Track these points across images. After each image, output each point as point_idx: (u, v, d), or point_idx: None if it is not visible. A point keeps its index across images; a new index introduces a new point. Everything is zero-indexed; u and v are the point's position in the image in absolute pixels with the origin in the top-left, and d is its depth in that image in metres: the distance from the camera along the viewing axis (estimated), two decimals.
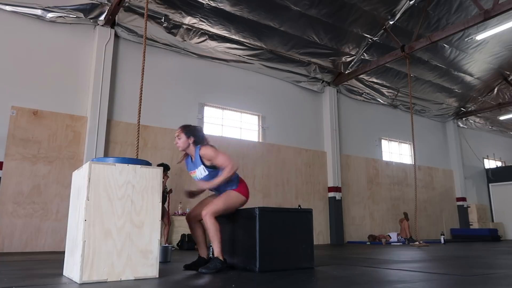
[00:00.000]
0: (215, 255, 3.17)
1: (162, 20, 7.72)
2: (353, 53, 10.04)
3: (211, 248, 3.75)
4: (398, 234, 10.18)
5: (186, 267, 3.31)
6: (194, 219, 3.43)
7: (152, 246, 2.80)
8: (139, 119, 5.00)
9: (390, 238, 10.10)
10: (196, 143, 3.35)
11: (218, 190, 3.39)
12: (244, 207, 3.48)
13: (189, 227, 3.45)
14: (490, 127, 14.94)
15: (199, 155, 3.31)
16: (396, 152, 12.36)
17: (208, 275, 2.93)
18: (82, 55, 7.37)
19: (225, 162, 3.24)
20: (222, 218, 3.82)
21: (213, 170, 3.31)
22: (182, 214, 7.53)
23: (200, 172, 3.35)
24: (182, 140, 3.33)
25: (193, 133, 3.36)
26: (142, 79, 5.08)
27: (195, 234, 3.44)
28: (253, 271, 3.17)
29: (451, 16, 9.53)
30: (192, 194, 3.44)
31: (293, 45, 9.22)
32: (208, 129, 8.67)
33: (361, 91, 11.30)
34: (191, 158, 3.43)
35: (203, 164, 3.31)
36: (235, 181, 3.40)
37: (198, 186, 3.37)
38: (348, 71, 10.44)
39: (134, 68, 7.69)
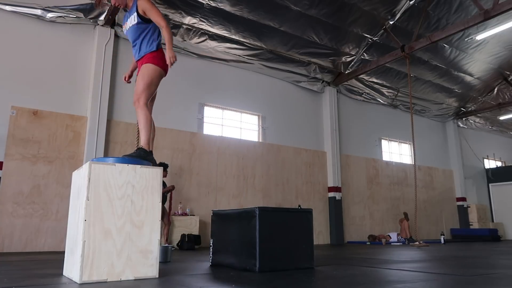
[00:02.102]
0: (142, 144, 3.10)
1: None
2: (353, 53, 10.04)
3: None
4: (398, 234, 10.18)
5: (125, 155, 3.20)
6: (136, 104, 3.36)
7: (152, 246, 2.80)
8: None
9: (390, 238, 10.10)
10: None
11: (140, 48, 3.32)
12: (245, 207, 3.47)
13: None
14: (490, 127, 14.94)
15: (136, 5, 3.28)
16: (396, 152, 12.36)
17: (207, 277, 2.93)
18: (82, 55, 7.37)
19: (159, 19, 3.21)
20: (221, 218, 3.83)
21: (143, 23, 3.28)
22: (182, 214, 7.53)
23: (131, 20, 3.31)
24: None
25: None
26: None
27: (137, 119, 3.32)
28: (253, 271, 3.17)
29: (451, 16, 9.53)
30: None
31: (293, 45, 9.22)
32: (208, 129, 8.68)
33: (361, 91, 11.30)
34: (127, 11, 3.40)
35: (137, 12, 3.27)
36: (153, 46, 3.30)
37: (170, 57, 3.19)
38: (348, 71, 10.44)
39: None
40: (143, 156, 3.03)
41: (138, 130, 5.12)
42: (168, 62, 3.15)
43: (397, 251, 6.26)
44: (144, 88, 3.17)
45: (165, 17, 7.68)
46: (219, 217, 3.88)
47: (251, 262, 3.21)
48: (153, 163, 3.09)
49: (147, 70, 3.22)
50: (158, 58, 3.27)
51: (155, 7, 3.26)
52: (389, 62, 9.76)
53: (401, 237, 10.04)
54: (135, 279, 2.68)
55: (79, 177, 2.92)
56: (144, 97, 3.15)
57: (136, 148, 3.28)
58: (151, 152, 3.13)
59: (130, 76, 3.64)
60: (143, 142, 3.11)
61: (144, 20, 3.28)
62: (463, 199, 13.36)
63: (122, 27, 7.52)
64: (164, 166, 6.72)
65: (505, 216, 13.96)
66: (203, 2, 7.67)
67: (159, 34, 3.38)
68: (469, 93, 12.79)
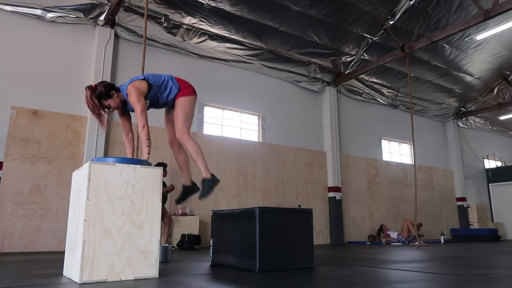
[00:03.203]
0: (203, 175, 3.13)
1: (162, 20, 7.72)
2: (353, 53, 10.04)
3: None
4: (398, 234, 10.17)
5: (178, 201, 3.27)
6: (175, 144, 3.40)
7: (152, 246, 2.80)
8: None
9: (390, 236, 10.10)
10: (116, 90, 3.14)
11: (165, 102, 3.30)
12: (245, 207, 3.48)
13: (174, 154, 3.38)
14: (490, 127, 14.94)
15: (127, 96, 3.13)
16: (396, 152, 12.36)
17: (207, 277, 2.93)
18: (82, 55, 7.37)
19: (138, 119, 2.99)
20: (221, 218, 3.83)
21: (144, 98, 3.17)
22: (182, 214, 7.53)
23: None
24: (113, 103, 3.09)
25: (107, 89, 3.06)
26: None
27: (177, 159, 3.35)
28: (253, 271, 3.16)
29: (451, 16, 9.53)
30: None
31: (293, 45, 9.22)
32: (208, 129, 8.68)
33: (361, 91, 11.29)
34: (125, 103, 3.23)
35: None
36: (174, 87, 3.28)
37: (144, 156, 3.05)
38: (348, 71, 10.44)
39: (134, 68, 7.67)
40: (212, 186, 3.10)
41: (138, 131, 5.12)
42: (145, 157, 2.98)
43: (397, 251, 6.26)
44: (184, 122, 3.21)
45: (165, 17, 7.68)
46: (219, 217, 3.88)
47: (251, 262, 3.21)
48: (215, 182, 3.15)
49: (181, 104, 3.25)
50: (186, 89, 3.32)
51: (136, 98, 3.01)
52: (389, 62, 9.76)
53: (402, 237, 10.03)
54: (135, 279, 2.68)
55: (79, 177, 2.92)
56: (186, 131, 3.19)
57: (192, 182, 3.33)
58: (212, 174, 3.17)
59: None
60: (204, 171, 3.16)
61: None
62: (463, 199, 13.36)
63: (122, 27, 7.60)
64: (164, 166, 6.72)
65: (505, 216, 13.95)
66: (203, 2, 7.67)
67: (173, 80, 3.34)
68: (469, 93, 12.79)
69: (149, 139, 2.95)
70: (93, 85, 3.03)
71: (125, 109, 3.31)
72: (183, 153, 3.38)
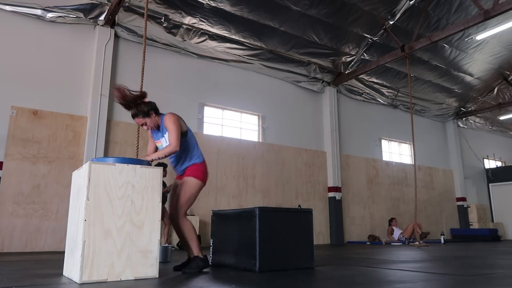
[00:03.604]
0: (195, 253, 3.18)
1: (162, 20, 7.72)
2: (353, 53, 10.04)
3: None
4: (401, 233, 10.14)
5: (176, 268, 3.27)
6: (172, 221, 3.37)
7: (152, 246, 2.80)
8: None
9: (394, 232, 10.10)
10: (156, 113, 3.27)
11: (180, 161, 3.34)
12: (244, 207, 3.48)
13: (174, 228, 3.36)
14: (490, 127, 14.94)
15: (164, 123, 3.24)
16: (396, 152, 12.36)
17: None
18: (82, 55, 7.37)
19: (171, 140, 3.14)
20: (221, 218, 3.83)
21: None
22: None
23: (166, 140, 3.26)
24: (149, 122, 3.23)
25: (148, 109, 3.20)
26: (142, 79, 5.08)
27: (179, 234, 3.32)
28: (253, 271, 3.16)
29: (451, 16, 9.53)
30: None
31: (293, 45, 9.22)
32: (208, 129, 8.68)
33: (361, 91, 11.29)
34: (158, 128, 3.34)
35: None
36: (195, 159, 3.33)
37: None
38: (348, 71, 10.44)
39: (134, 68, 7.68)
40: (202, 267, 3.13)
41: (139, 130, 5.13)
42: (149, 158, 3.10)
43: (397, 251, 6.26)
44: (184, 202, 3.22)
45: (165, 17, 7.68)
46: (219, 217, 3.88)
47: (251, 262, 3.21)
48: (206, 264, 3.19)
49: (190, 184, 3.25)
50: (201, 171, 3.31)
51: (175, 128, 3.15)
52: (389, 62, 9.76)
53: (403, 236, 10.03)
54: (135, 279, 2.68)
55: (79, 177, 2.92)
56: (183, 211, 3.20)
57: (189, 258, 3.32)
58: (205, 256, 3.21)
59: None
60: (196, 251, 3.19)
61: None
62: (463, 199, 13.36)
63: (122, 27, 7.60)
64: (164, 166, 6.73)
65: (505, 216, 13.95)
66: (203, 2, 7.67)
67: (197, 145, 3.41)
68: (469, 93, 12.79)
69: (165, 157, 3.11)
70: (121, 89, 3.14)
71: (155, 135, 3.39)
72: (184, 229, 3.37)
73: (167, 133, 3.20)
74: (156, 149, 3.44)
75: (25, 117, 6.64)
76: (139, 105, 3.18)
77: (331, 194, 10.09)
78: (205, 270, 3.22)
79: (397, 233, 10.17)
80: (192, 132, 3.44)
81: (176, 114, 3.28)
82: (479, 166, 14.55)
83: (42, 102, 6.84)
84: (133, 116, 3.21)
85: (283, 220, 3.42)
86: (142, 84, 5.04)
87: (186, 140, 3.31)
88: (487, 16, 7.78)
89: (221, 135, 8.79)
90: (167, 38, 8.04)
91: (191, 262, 3.18)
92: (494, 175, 14.44)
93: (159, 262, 3.09)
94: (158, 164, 6.63)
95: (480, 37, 10.21)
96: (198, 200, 8.35)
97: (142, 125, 3.23)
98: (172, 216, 3.23)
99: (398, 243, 9.68)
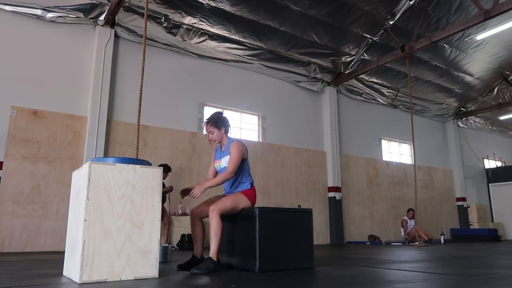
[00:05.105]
0: (210, 254, 3.13)
1: (162, 20, 7.72)
2: (353, 53, 10.04)
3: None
4: (406, 233, 10.06)
5: (179, 267, 3.28)
6: (197, 216, 3.42)
7: (152, 246, 2.80)
8: (139, 119, 5.00)
9: (407, 223, 10.02)
10: (226, 132, 3.54)
11: (233, 184, 3.51)
12: None
13: (191, 223, 3.44)
14: (490, 127, 14.94)
15: (229, 147, 3.44)
16: (396, 152, 12.36)
17: (207, 276, 2.93)
18: (82, 55, 7.37)
19: (229, 167, 3.35)
20: (221, 218, 3.82)
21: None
22: (182, 214, 7.53)
23: (225, 161, 3.45)
24: (215, 134, 3.47)
25: (223, 123, 3.50)
26: (142, 79, 5.07)
27: (195, 231, 3.42)
28: (253, 271, 3.16)
29: (451, 16, 9.53)
30: (186, 191, 3.35)
31: (293, 45, 9.22)
32: None
33: (361, 91, 11.29)
34: (221, 147, 3.57)
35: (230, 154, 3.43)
36: (247, 184, 3.50)
37: (200, 187, 3.24)
38: (348, 71, 10.44)
39: (134, 68, 7.69)
40: (212, 270, 3.08)
41: (138, 130, 5.12)
42: (193, 193, 3.17)
43: (397, 251, 6.26)
44: (227, 207, 3.28)
45: (165, 17, 7.68)
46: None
47: (251, 262, 3.21)
48: (217, 267, 3.16)
49: (240, 199, 3.40)
50: (251, 196, 3.49)
51: (238, 156, 3.36)
52: (389, 62, 9.76)
53: (404, 236, 10.00)
54: (135, 279, 2.67)
55: (79, 177, 2.92)
56: (222, 211, 3.23)
57: (202, 257, 3.40)
58: (219, 261, 3.18)
59: (187, 191, 3.41)
60: (212, 252, 3.14)
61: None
62: (463, 199, 13.36)
63: (122, 27, 7.60)
64: (167, 168, 6.79)
65: (505, 216, 13.96)
66: (203, 2, 7.67)
67: (249, 172, 3.59)
68: (469, 93, 12.80)
69: (218, 184, 3.29)
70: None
71: (218, 154, 3.61)
72: (200, 227, 3.44)
73: (228, 157, 3.41)
74: (216, 173, 3.64)
75: (25, 117, 6.64)
76: (220, 116, 3.51)
77: (331, 194, 10.09)
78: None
79: (411, 224, 10.04)
80: (248, 159, 3.62)
81: (243, 144, 3.51)
82: (479, 166, 14.55)
83: (42, 102, 6.84)
84: (208, 121, 3.48)
85: (283, 220, 3.42)
86: (142, 84, 5.04)
87: (243, 167, 3.51)
88: (487, 16, 7.78)
89: None
90: (167, 38, 8.04)
91: (202, 262, 3.14)
92: (494, 175, 14.44)
93: (159, 262, 3.08)
94: (160, 165, 6.64)
95: (480, 37, 10.21)
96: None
97: (209, 132, 3.46)
98: (212, 207, 3.20)
99: (398, 243, 9.67)
